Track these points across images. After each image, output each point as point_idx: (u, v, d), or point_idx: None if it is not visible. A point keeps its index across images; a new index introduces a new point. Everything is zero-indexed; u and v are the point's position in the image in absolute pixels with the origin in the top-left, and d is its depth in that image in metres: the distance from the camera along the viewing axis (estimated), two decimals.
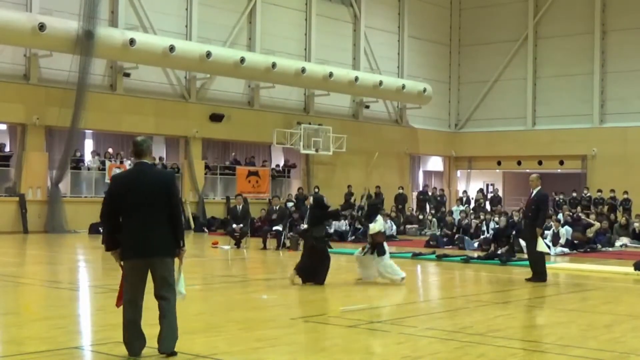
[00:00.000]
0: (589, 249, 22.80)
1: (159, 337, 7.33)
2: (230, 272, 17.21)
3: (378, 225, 13.94)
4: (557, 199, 34.01)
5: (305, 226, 23.50)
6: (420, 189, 38.95)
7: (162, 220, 7.33)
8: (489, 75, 40.85)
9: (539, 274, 14.43)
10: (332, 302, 11.28)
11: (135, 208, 7.29)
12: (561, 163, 38.52)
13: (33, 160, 26.83)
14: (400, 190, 35.24)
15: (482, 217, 25.55)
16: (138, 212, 7.29)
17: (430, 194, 36.64)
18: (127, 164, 29.02)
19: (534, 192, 14.84)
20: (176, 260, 7.54)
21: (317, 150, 33.60)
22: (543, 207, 14.78)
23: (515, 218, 24.21)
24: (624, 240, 26.01)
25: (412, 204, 36.85)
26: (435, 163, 43.27)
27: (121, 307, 7.44)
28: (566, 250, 22.06)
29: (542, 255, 14.73)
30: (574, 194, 33.82)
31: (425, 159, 42.87)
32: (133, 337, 7.32)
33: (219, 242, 22.86)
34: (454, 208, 32.28)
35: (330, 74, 33.47)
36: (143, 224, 7.30)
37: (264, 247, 21.82)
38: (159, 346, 7.31)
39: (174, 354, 7.33)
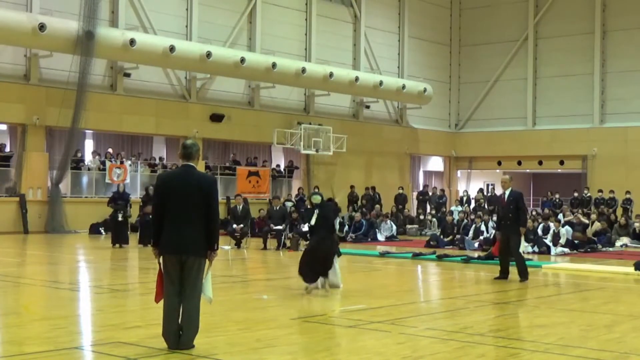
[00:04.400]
0: (589, 249, 22.80)
1: (181, 333, 7.70)
2: (231, 273, 17.21)
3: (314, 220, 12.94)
4: (553, 198, 34.07)
5: (305, 227, 23.48)
6: (421, 189, 38.95)
7: (198, 221, 7.69)
8: (489, 75, 40.85)
9: (525, 274, 14.50)
10: (332, 302, 11.28)
11: (176, 208, 7.70)
12: (561, 163, 38.53)
13: (33, 161, 26.84)
14: (400, 191, 35.25)
15: (482, 217, 25.53)
16: (178, 212, 7.69)
17: (430, 194, 36.66)
18: (128, 164, 29.08)
19: (508, 192, 14.70)
20: (207, 262, 7.85)
21: (317, 151, 33.60)
22: (522, 205, 14.76)
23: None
24: (624, 240, 26.01)
25: (412, 204, 36.87)
26: (435, 163, 43.28)
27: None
28: (566, 250, 22.06)
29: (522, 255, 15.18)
30: (575, 194, 33.84)
31: (425, 159, 42.87)
32: (170, 327, 7.68)
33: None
34: (453, 208, 32.29)
35: (331, 74, 33.48)
36: (181, 223, 7.69)
37: (265, 248, 21.83)
38: (180, 342, 7.66)
39: (191, 347, 7.68)
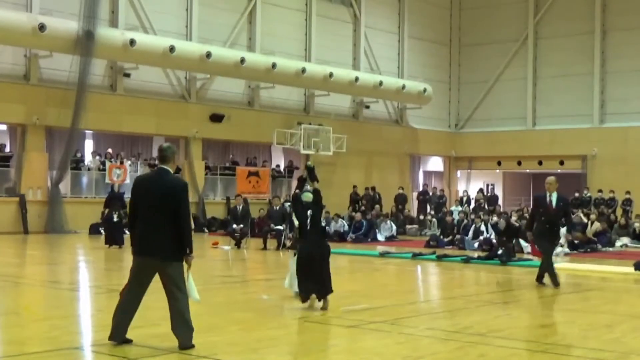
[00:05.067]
0: (589, 249, 22.81)
1: (175, 335, 7.80)
2: (231, 273, 17.22)
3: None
4: None
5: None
6: (421, 189, 38.96)
7: (169, 225, 7.71)
8: (489, 75, 40.85)
9: (541, 278, 13.90)
10: (332, 302, 11.27)
11: (147, 210, 7.79)
12: (561, 163, 38.51)
13: (33, 161, 26.83)
14: (400, 191, 35.25)
15: (482, 217, 25.53)
16: (148, 214, 7.77)
17: (430, 194, 36.66)
18: (127, 164, 29.07)
19: (555, 196, 13.75)
20: (186, 265, 7.91)
21: (317, 151, 33.59)
22: (569, 210, 14.26)
23: (514, 218, 24.20)
24: (624, 240, 26.02)
25: (412, 204, 36.86)
26: (435, 163, 43.27)
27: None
28: (566, 250, 22.06)
29: None
30: (577, 194, 33.85)
31: (425, 159, 42.87)
32: (119, 324, 7.83)
33: (219, 242, 22.87)
34: (453, 208, 32.29)
35: (331, 74, 33.47)
36: (150, 226, 7.76)
37: (264, 248, 21.83)
38: (179, 344, 7.77)
39: (191, 347, 7.74)
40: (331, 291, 10.85)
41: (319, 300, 10.72)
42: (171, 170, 7.99)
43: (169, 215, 7.71)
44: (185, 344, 7.75)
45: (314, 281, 10.74)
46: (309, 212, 10.98)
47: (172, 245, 7.74)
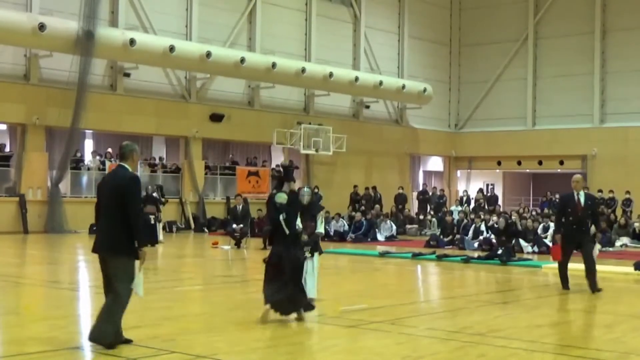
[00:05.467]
0: None
1: (92, 326, 7.87)
2: (231, 273, 17.21)
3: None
4: (553, 198, 34.10)
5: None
6: (420, 189, 38.96)
7: (115, 220, 7.82)
8: (489, 75, 40.84)
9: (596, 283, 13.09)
10: (332, 302, 11.27)
11: (102, 207, 8.02)
12: (561, 163, 38.51)
13: (33, 161, 26.83)
14: (400, 191, 35.25)
15: (482, 217, 25.55)
16: (103, 211, 7.98)
17: (430, 194, 36.68)
18: None
19: (582, 195, 13.08)
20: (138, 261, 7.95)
21: (317, 151, 33.60)
22: (597, 209, 13.50)
23: (513, 218, 24.21)
24: (624, 240, 26.01)
25: (412, 204, 36.86)
26: (435, 163, 43.27)
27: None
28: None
29: None
30: None
31: (425, 159, 42.87)
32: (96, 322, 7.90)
33: (219, 242, 22.86)
34: (453, 208, 32.30)
35: (331, 74, 33.46)
36: (103, 223, 7.97)
37: (264, 247, 21.80)
38: (91, 333, 7.80)
39: (103, 342, 7.65)
40: (301, 307, 9.70)
41: (282, 315, 9.63)
42: (129, 168, 8.02)
43: (117, 211, 7.79)
44: (98, 337, 7.70)
45: (279, 291, 9.64)
46: (282, 216, 9.98)
47: (118, 241, 7.80)
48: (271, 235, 10.43)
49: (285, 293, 9.58)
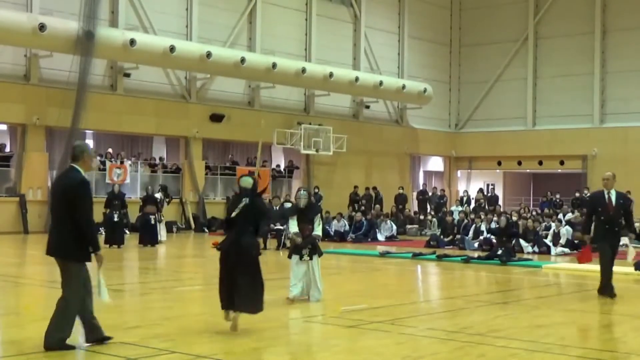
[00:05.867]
0: None
1: (45, 332, 7.77)
2: None
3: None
4: (553, 198, 34.11)
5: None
6: (420, 188, 38.97)
7: (65, 223, 7.68)
8: (489, 75, 40.84)
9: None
10: (332, 302, 11.27)
11: (52, 209, 8.03)
12: (561, 163, 38.52)
13: (33, 161, 26.83)
14: (401, 191, 35.25)
15: (482, 217, 25.56)
16: (53, 213, 8.00)
17: (430, 193, 36.67)
18: (128, 164, 29.08)
19: (614, 193, 12.52)
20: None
21: (317, 151, 33.60)
22: (630, 208, 12.73)
23: (514, 218, 24.22)
24: (624, 240, 25.96)
25: (412, 205, 36.87)
26: (435, 163, 43.27)
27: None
28: (566, 250, 22.06)
29: None
30: (577, 194, 33.84)
31: (425, 159, 42.87)
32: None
33: (219, 242, 22.81)
34: (453, 208, 32.30)
35: (331, 74, 33.46)
36: (53, 225, 7.97)
37: (265, 247, 21.81)
38: (44, 339, 7.71)
39: (53, 348, 7.60)
40: (250, 309, 8.79)
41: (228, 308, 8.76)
42: (81, 169, 7.85)
43: (66, 214, 7.65)
44: (48, 343, 7.66)
45: (227, 289, 8.79)
46: (244, 200, 9.04)
47: (67, 244, 7.68)
48: (227, 225, 9.45)
49: (229, 291, 8.72)
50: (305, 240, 11.26)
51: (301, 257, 11.36)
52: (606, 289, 12.42)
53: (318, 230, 11.44)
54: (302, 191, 11.63)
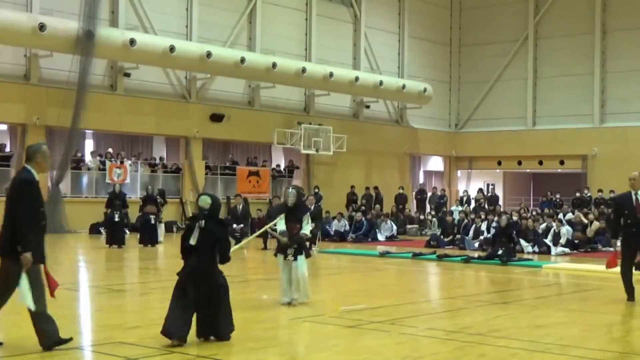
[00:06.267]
0: (589, 249, 22.81)
1: None
2: (230, 272, 17.17)
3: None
4: (553, 198, 34.13)
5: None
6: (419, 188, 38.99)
7: (10, 222, 7.72)
8: (489, 75, 40.84)
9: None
10: (332, 302, 11.27)
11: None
12: (561, 163, 38.52)
13: None
14: (401, 191, 35.26)
15: (482, 217, 25.57)
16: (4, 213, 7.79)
17: (430, 193, 36.67)
18: (128, 164, 29.09)
19: None
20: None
21: (317, 150, 33.60)
22: None
23: (515, 218, 24.22)
24: None
25: (412, 205, 36.88)
26: (435, 163, 43.28)
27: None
28: (566, 250, 22.08)
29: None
30: (578, 194, 33.86)
31: (425, 159, 42.88)
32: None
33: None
34: (453, 208, 32.32)
35: (331, 74, 33.46)
36: (2, 224, 7.84)
37: (265, 247, 21.83)
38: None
39: (58, 342, 7.62)
40: (221, 337, 8.19)
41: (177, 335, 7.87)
42: (33, 170, 7.82)
43: (10, 212, 7.70)
44: (44, 344, 7.62)
45: (185, 320, 7.97)
46: (198, 224, 8.29)
47: (6, 242, 7.71)
48: (183, 249, 8.49)
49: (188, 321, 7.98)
50: (291, 239, 11.07)
51: (285, 257, 11.19)
52: (629, 294, 11.95)
53: (306, 230, 11.17)
54: (290, 189, 11.41)
